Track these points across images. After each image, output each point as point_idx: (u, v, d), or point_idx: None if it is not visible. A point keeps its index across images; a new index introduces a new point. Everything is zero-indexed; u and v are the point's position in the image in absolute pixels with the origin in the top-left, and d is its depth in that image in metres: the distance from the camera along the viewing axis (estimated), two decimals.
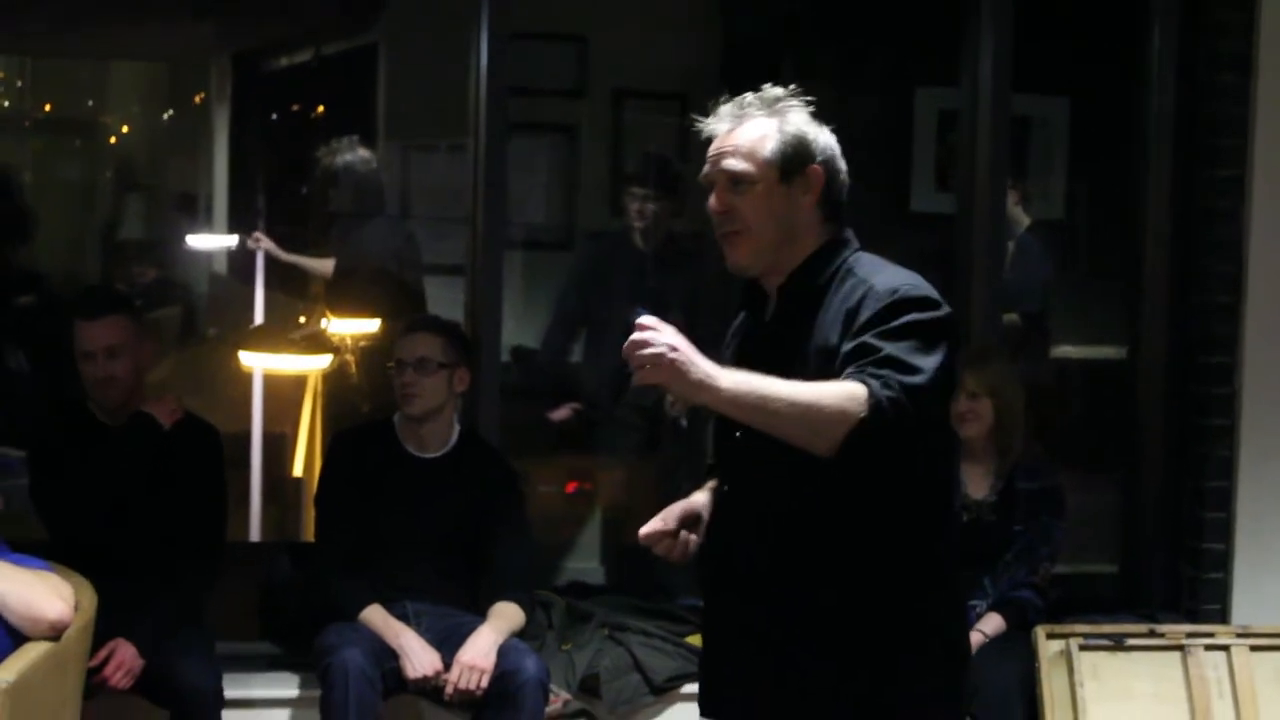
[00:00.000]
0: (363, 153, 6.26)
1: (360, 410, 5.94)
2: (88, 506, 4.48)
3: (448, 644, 4.51)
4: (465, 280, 5.33)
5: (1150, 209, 5.46)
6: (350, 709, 4.30)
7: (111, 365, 4.48)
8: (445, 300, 5.91)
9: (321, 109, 7.46)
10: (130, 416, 4.53)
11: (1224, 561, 5.31)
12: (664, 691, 4.89)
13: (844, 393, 2.84)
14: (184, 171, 8.17)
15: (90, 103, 8.72)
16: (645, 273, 6.04)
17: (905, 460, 2.97)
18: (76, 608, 3.75)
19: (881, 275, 3.05)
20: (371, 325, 5.90)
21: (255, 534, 5.98)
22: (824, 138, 3.13)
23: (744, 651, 3.13)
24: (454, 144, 5.84)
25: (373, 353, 5.89)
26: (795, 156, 3.08)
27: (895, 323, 2.94)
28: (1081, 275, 6.75)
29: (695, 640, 4.99)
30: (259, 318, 6.14)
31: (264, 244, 6.30)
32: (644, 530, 3.08)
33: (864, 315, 2.97)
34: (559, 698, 4.71)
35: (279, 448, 6.22)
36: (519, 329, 6.20)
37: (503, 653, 4.47)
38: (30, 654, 3.59)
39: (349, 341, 5.93)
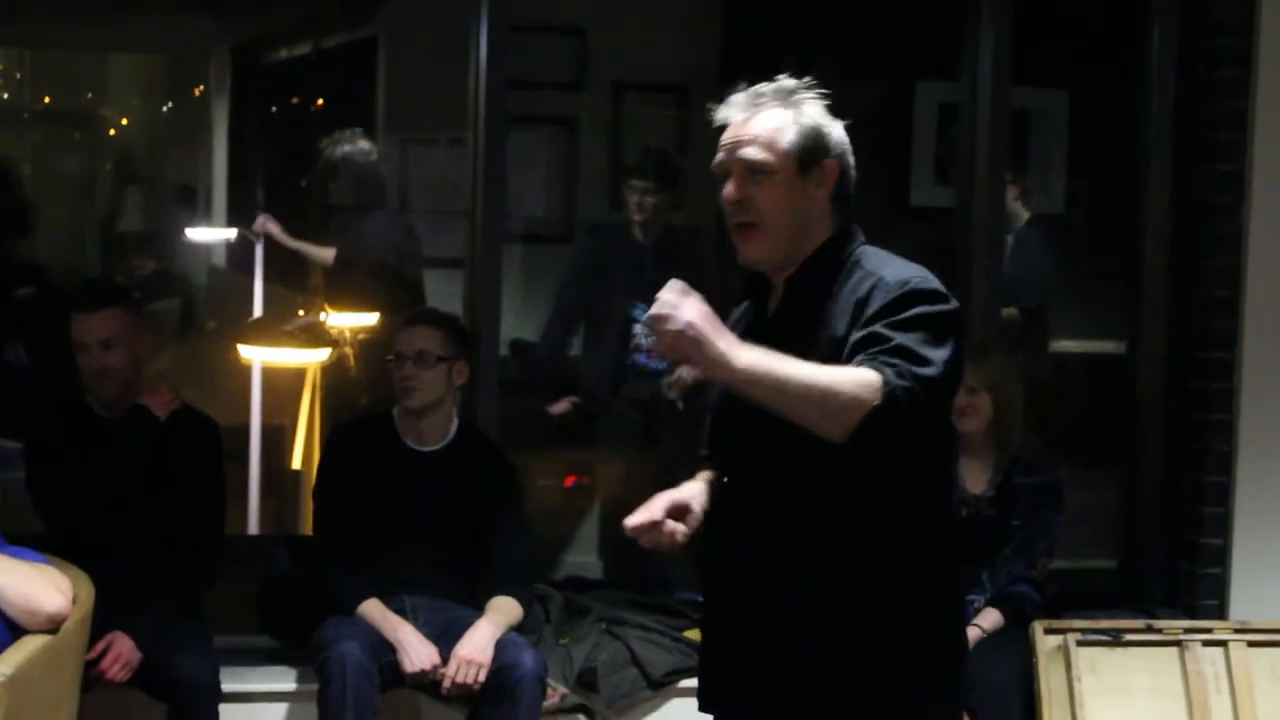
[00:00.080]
0: (364, 145, 6.25)
1: (359, 403, 5.93)
2: (84, 499, 4.47)
3: (445, 638, 4.51)
4: (464, 273, 5.32)
5: (1150, 204, 5.46)
6: (348, 703, 4.30)
7: (106, 357, 4.48)
8: (444, 293, 5.90)
9: (321, 102, 7.46)
10: (127, 409, 4.53)
11: (1222, 557, 5.32)
12: (662, 686, 4.89)
13: (859, 379, 2.84)
14: (183, 164, 8.18)
15: (90, 95, 8.72)
16: (644, 266, 6.04)
17: (909, 453, 2.98)
18: (74, 601, 3.75)
19: (890, 267, 3.05)
20: (370, 318, 5.89)
21: (254, 527, 5.98)
22: (838, 131, 3.12)
23: (743, 647, 3.12)
24: (453, 137, 5.83)
25: (372, 345, 5.89)
26: (814, 149, 3.07)
27: (906, 314, 2.94)
28: (1081, 270, 6.75)
29: (693, 635, 4.99)
30: (258, 310, 6.14)
31: (270, 227, 6.26)
32: (630, 521, 3.06)
33: (873, 306, 2.97)
34: (556, 692, 4.71)
35: (278, 440, 6.22)
36: (518, 322, 6.20)
37: (500, 647, 4.47)
38: (28, 647, 3.59)
39: (348, 334, 5.92)
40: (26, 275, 6.40)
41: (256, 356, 5.64)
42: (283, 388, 6.14)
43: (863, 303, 2.99)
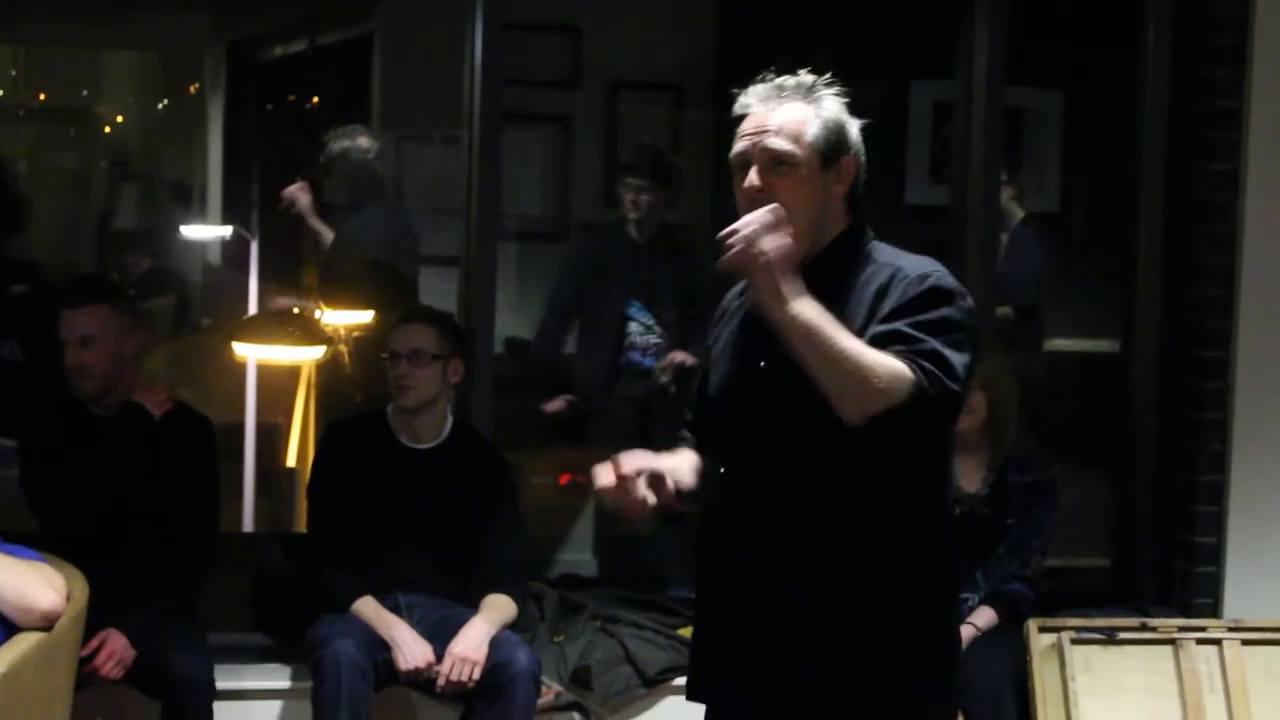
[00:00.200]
0: (363, 141, 6.24)
1: (353, 401, 5.93)
2: (77, 496, 4.47)
3: (440, 636, 4.51)
4: (459, 271, 5.32)
5: (1144, 203, 5.47)
6: (342, 700, 4.30)
7: (82, 353, 4.47)
8: (439, 291, 5.90)
9: (316, 99, 7.45)
10: (121, 406, 4.53)
11: (1216, 555, 5.32)
12: (656, 684, 4.89)
13: (895, 371, 2.85)
14: (178, 161, 8.16)
15: (85, 92, 8.71)
16: (639, 264, 6.04)
17: (911, 451, 2.98)
18: (68, 598, 3.75)
19: (906, 259, 3.06)
20: (365, 316, 5.89)
21: (248, 525, 5.97)
22: (855, 130, 3.12)
23: (741, 645, 3.12)
24: (448, 135, 5.83)
25: (366, 343, 5.88)
26: (836, 145, 3.07)
27: (932, 314, 2.94)
28: (1075, 269, 6.75)
29: (687, 633, 4.99)
30: (253, 308, 6.13)
31: (301, 196, 6.20)
32: (601, 482, 3.05)
33: (894, 297, 2.97)
34: (551, 689, 4.71)
35: (272, 438, 6.21)
36: (513, 320, 6.20)
37: (495, 645, 4.47)
38: (21, 645, 3.59)
39: (343, 332, 5.92)
40: (21, 272, 6.39)
41: (251, 354, 5.63)
42: (277, 385, 6.14)
43: (882, 293, 2.99)
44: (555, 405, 6.15)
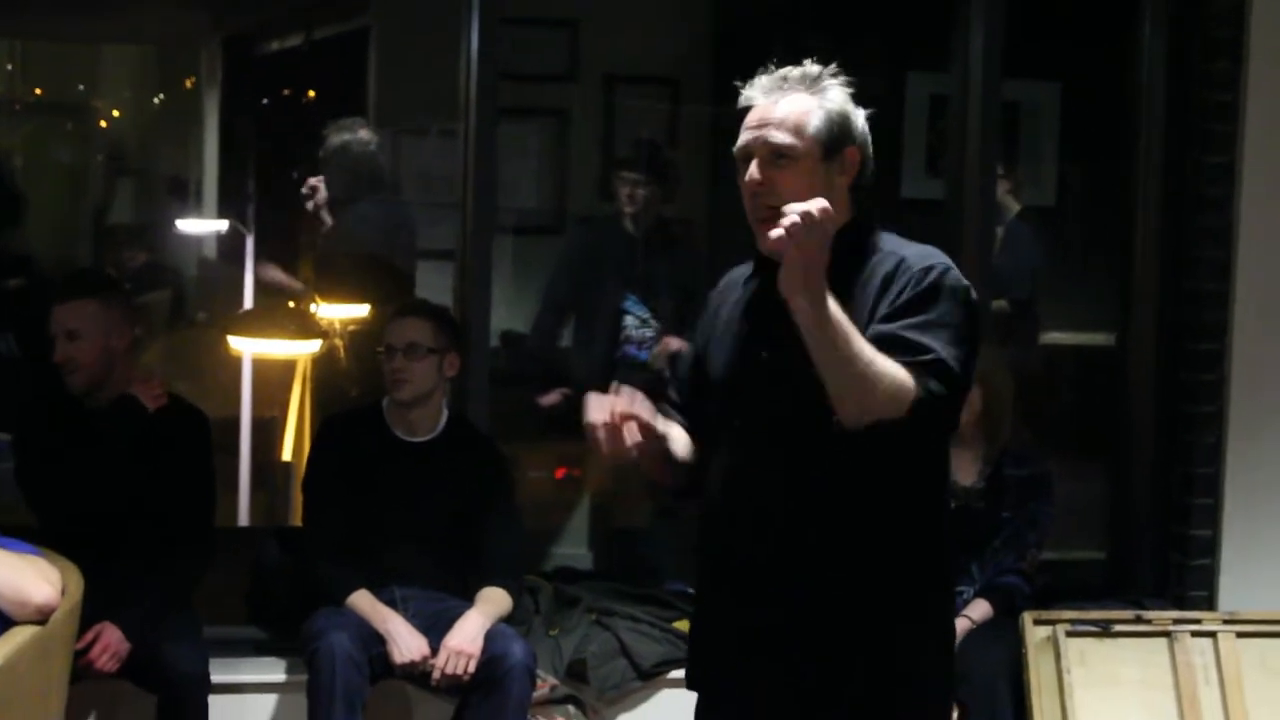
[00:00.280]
0: (364, 134, 6.23)
1: (349, 394, 5.92)
2: (71, 490, 4.47)
3: (435, 629, 4.51)
4: (455, 265, 5.32)
5: (1140, 196, 5.47)
6: (337, 694, 4.31)
7: (69, 348, 4.47)
8: (435, 285, 5.90)
9: (312, 94, 7.44)
10: (115, 399, 4.53)
11: (1211, 548, 5.32)
12: (651, 677, 4.89)
13: (900, 385, 2.84)
14: (174, 156, 8.15)
15: (81, 87, 8.70)
16: (636, 258, 6.04)
17: (911, 452, 2.98)
18: (63, 592, 3.75)
19: (911, 249, 3.04)
20: (361, 309, 5.89)
21: (244, 518, 5.97)
22: (861, 120, 3.09)
23: (740, 643, 3.11)
24: (444, 129, 5.83)
25: (362, 337, 5.88)
26: (839, 136, 3.04)
27: (934, 313, 2.93)
28: (1071, 262, 6.75)
29: (682, 626, 4.99)
30: (248, 302, 6.13)
31: (323, 192, 6.16)
32: (595, 417, 2.99)
33: (897, 289, 2.96)
34: (546, 683, 4.72)
35: (268, 432, 6.21)
36: (509, 314, 6.20)
37: (490, 638, 4.48)
38: (16, 638, 3.59)
39: (338, 325, 5.92)
40: (17, 266, 6.39)
41: (247, 348, 5.63)
42: (273, 379, 6.13)
43: (886, 284, 2.98)
44: (551, 399, 6.15)
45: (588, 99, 6.81)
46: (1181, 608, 5.22)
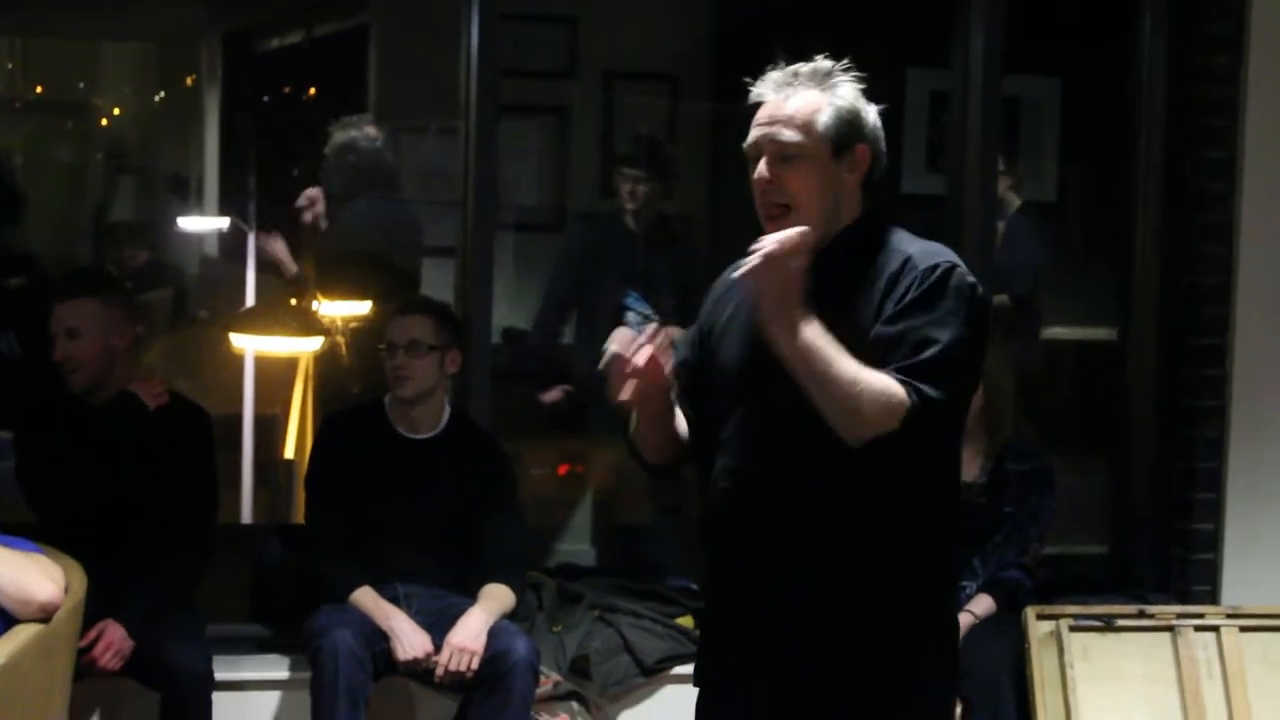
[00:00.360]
0: (370, 130, 6.23)
1: (351, 392, 5.93)
2: (72, 487, 4.47)
3: (438, 626, 4.51)
4: (456, 262, 5.32)
5: (1141, 191, 5.47)
6: (340, 691, 4.31)
7: (69, 346, 4.47)
8: (437, 282, 5.90)
9: (313, 91, 7.44)
10: (115, 397, 4.53)
11: (1214, 542, 5.32)
12: (654, 673, 4.89)
13: (887, 402, 2.85)
14: (175, 153, 8.15)
15: (81, 85, 8.70)
16: (636, 254, 6.04)
17: (918, 455, 2.97)
18: (67, 590, 3.75)
19: (918, 246, 3.04)
20: (363, 307, 5.89)
21: (246, 516, 5.98)
22: (873, 116, 3.09)
23: (740, 643, 3.11)
24: (445, 126, 5.83)
25: (364, 334, 5.88)
26: (848, 133, 3.04)
27: (937, 312, 2.93)
28: (1072, 257, 6.75)
29: (685, 622, 5.00)
30: (250, 299, 6.13)
31: (321, 204, 6.17)
32: (616, 348, 3.02)
33: (903, 287, 2.96)
34: (549, 679, 4.71)
35: (270, 430, 6.21)
36: (510, 311, 6.20)
37: (493, 634, 4.48)
38: (20, 636, 3.59)
39: (340, 323, 5.92)
40: (18, 265, 6.39)
41: (249, 346, 5.63)
42: (275, 377, 6.13)
43: (893, 281, 2.98)
44: (553, 396, 6.15)
45: (588, 95, 6.81)
46: (1184, 602, 5.23)
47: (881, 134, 3.10)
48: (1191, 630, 4.98)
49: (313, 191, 6.04)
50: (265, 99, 7.71)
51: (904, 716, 3.07)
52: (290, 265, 6.09)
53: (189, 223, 7.49)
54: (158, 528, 4.48)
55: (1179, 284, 5.41)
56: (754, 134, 3.06)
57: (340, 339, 5.89)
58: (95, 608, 4.06)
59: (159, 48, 8.45)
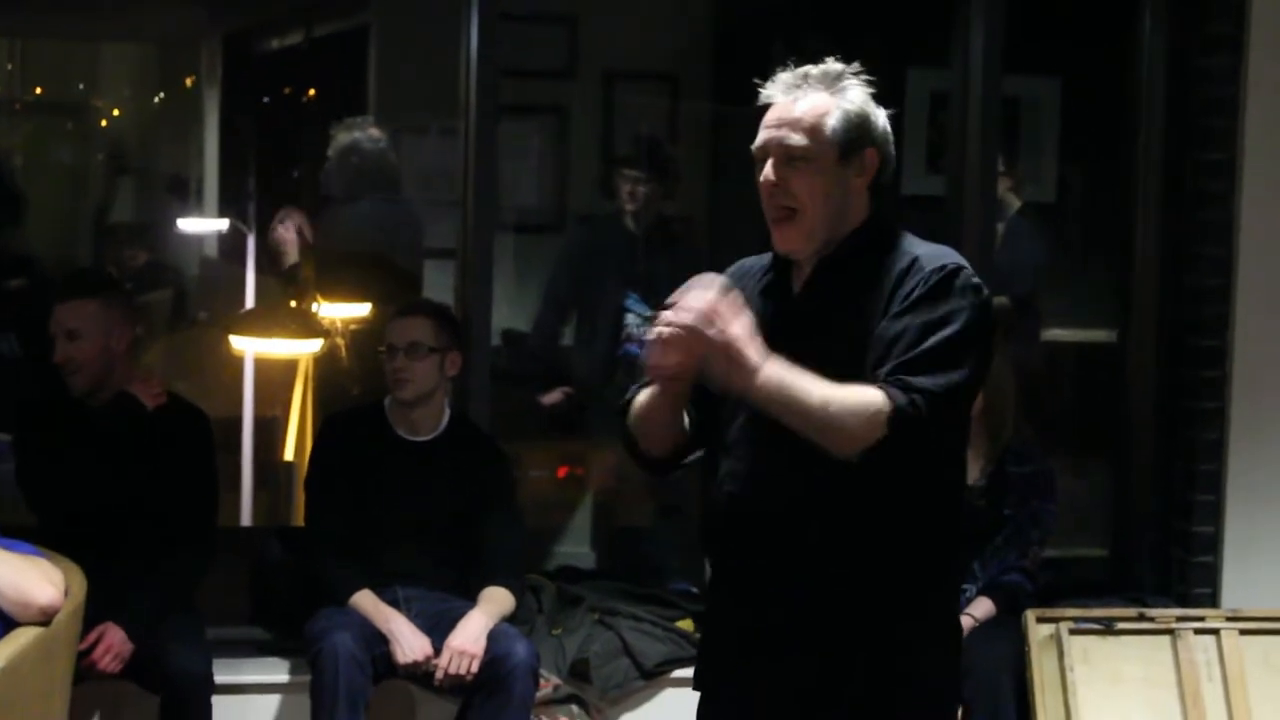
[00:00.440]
0: (374, 131, 6.23)
1: (351, 394, 5.93)
2: (71, 488, 4.47)
3: (438, 629, 4.51)
4: (456, 263, 5.32)
5: (1141, 191, 5.46)
6: (340, 694, 4.31)
7: (69, 348, 4.47)
8: (436, 284, 5.90)
9: (313, 92, 7.44)
10: (114, 398, 4.53)
11: (1214, 545, 5.32)
12: (654, 676, 4.89)
13: (867, 416, 2.85)
14: (175, 154, 8.15)
15: (81, 86, 8.70)
16: (637, 255, 6.04)
17: (919, 459, 2.96)
18: (67, 593, 3.75)
19: (925, 249, 3.04)
20: (362, 308, 5.89)
21: (246, 518, 5.97)
22: (882, 120, 3.08)
23: (740, 643, 3.11)
24: (445, 127, 5.82)
25: (364, 336, 5.88)
26: (856, 137, 3.03)
27: (939, 313, 2.93)
28: (1072, 258, 6.74)
29: (685, 625, 5.00)
30: (250, 301, 6.12)
31: (292, 250, 6.15)
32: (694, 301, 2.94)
33: (907, 289, 2.96)
34: (549, 682, 4.71)
35: (270, 431, 6.20)
36: (510, 312, 6.19)
37: (493, 638, 4.48)
38: (20, 639, 3.59)
39: (340, 325, 5.92)
40: (18, 266, 6.39)
41: (248, 347, 5.63)
42: (275, 379, 6.13)
43: (899, 282, 2.97)
44: (553, 397, 6.15)
45: (587, 96, 6.80)
46: (1184, 605, 5.22)
47: (890, 137, 3.09)
48: (1191, 633, 4.98)
49: (286, 233, 6.03)
50: (265, 100, 7.71)
51: (905, 717, 3.06)
52: (292, 253, 6.08)
53: (189, 224, 7.48)
54: (155, 529, 4.48)
55: (1179, 285, 5.41)
56: (762, 136, 3.06)
57: (340, 341, 5.89)
58: (95, 609, 4.06)
59: (159, 49, 8.45)
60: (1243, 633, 5.00)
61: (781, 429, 2.98)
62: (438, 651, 4.47)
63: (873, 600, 3.01)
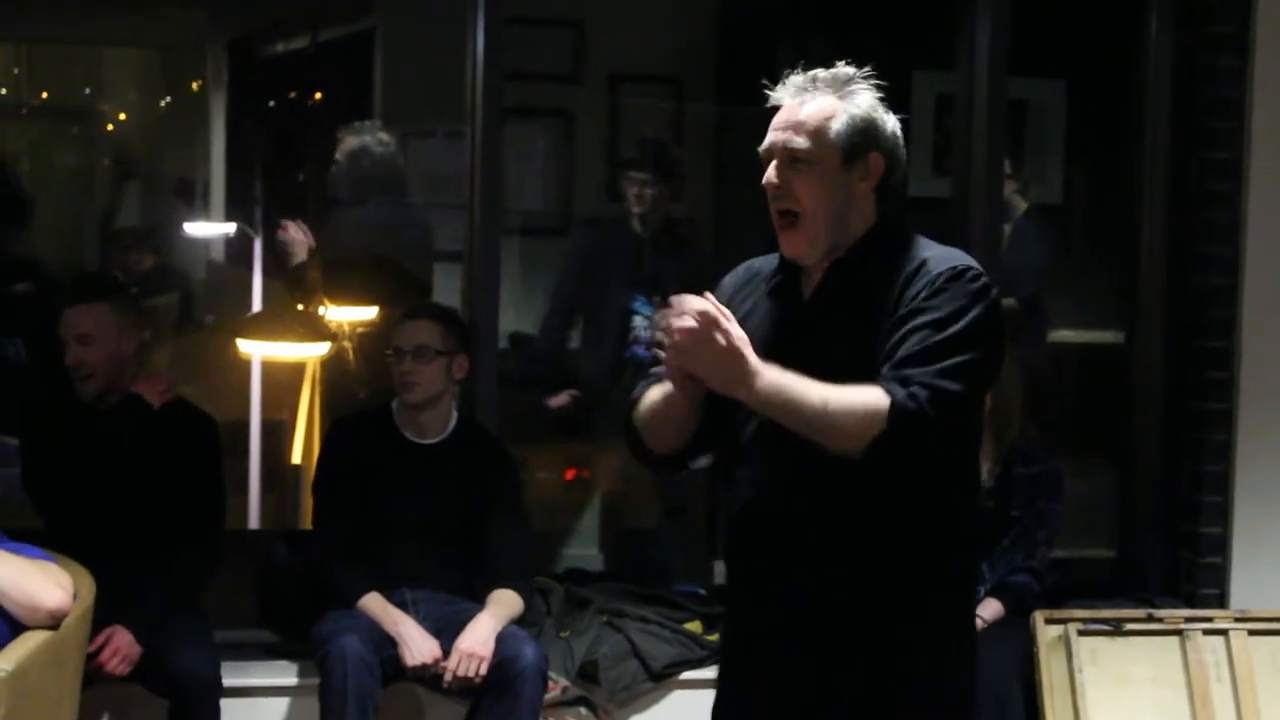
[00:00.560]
0: (383, 135, 6.23)
1: (358, 397, 5.93)
2: (77, 490, 4.47)
3: (446, 631, 4.51)
4: (463, 267, 5.32)
5: (1147, 193, 5.46)
6: (349, 696, 4.31)
7: (81, 352, 4.47)
8: (443, 287, 5.90)
9: (319, 96, 7.45)
10: (122, 399, 4.53)
11: (1222, 546, 5.31)
12: (662, 678, 4.89)
13: (862, 412, 2.85)
14: (181, 158, 8.15)
15: (87, 90, 8.71)
16: (643, 258, 6.04)
17: (934, 457, 2.97)
18: (75, 596, 3.75)
19: (935, 251, 3.04)
20: (370, 312, 5.89)
21: (254, 521, 5.97)
22: (891, 124, 3.08)
23: (740, 640, 3.11)
24: (451, 130, 5.83)
25: (371, 339, 5.88)
26: (861, 141, 3.03)
27: (944, 312, 2.93)
28: (1078, 260, 6.74)
29: (694, 627, 5.00)
30: (257, 305, 6.13)
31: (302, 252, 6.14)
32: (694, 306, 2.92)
33: (915, 290, 2.96)
34: (557, 684, 4.72)
35: (277, 435, 6.21)
36: (517, 316, 6.20)
37: (501, 640, 4.48)
38: (29, 643, 3.59)
39: (347, 328, 5.92)
40: (25, 271, 6.40)
41: (256, 351, 5.63)
42: (282, 382, 6.13)
43: (908, 285, 2.98)
44: (560, 400, 6.16)
45: (593, 99, 6.81)
46: (1193, 606, 5.22)
47: (900, 142, 3.09)
48: (1200, 634, 4.98)
49: (294, 237, 6.03)
50: (271, 104, 7.72)
51: (904, 717, 3.06)
52: (300, 253, 6.09)
53: (195, 228, 7.48)
54: (165, 533, 4.48)
55: (1185, 286, 5.40)
56: (768, 138, 3.07)
57: (347, 344, 5.89)
58: (103, 613, 4.07)
59: (164, 53, 8.46)
60: (1251, 633, 5.00)
61: (785, 431, 2.99)
62: (446, 654, 4.47)
63: (869, 600, 3.00)
